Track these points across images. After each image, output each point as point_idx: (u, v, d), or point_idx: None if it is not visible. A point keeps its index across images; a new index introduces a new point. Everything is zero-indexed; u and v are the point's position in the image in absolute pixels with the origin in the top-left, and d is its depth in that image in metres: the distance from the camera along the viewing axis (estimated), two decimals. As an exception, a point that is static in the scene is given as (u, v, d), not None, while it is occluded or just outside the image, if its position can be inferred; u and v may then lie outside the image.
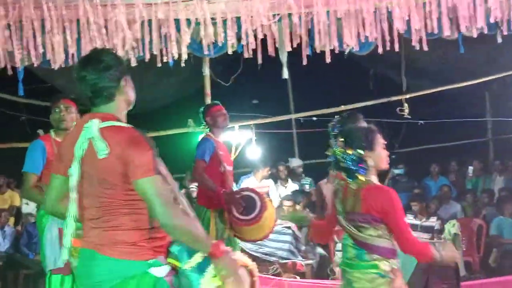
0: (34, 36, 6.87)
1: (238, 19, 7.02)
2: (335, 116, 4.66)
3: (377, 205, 3.75)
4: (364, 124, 4.17)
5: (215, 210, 5.83)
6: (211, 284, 2.75)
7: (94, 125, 2.78)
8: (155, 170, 2.75)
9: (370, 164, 3.83)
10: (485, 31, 6.97)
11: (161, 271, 2.77)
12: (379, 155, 3.89)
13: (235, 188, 7.26)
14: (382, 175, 11.81)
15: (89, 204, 2.84)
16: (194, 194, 7.90)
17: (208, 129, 6.12)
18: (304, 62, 7.19)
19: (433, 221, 9.54)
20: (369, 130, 3.94)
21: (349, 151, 3.83)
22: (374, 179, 3.89)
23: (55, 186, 3.00)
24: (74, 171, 2.82)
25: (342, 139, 3.94)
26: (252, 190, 6.01)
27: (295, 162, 11.44)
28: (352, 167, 3.82)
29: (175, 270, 2.83)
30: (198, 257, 2.81)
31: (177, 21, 7.01)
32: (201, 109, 6.24)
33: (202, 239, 2.78)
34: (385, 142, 3.95)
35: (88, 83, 2.87)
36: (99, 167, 2.77)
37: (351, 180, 3.86)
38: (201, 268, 2.79)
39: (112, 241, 2.75)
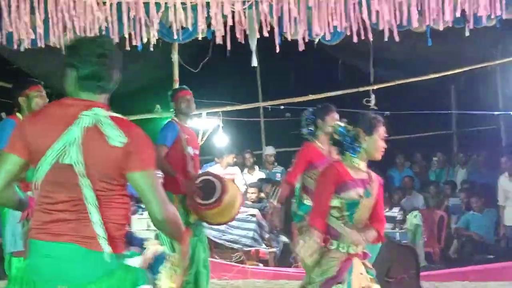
0: (0, 16, 6.75)
1: (208, 4, 6.97)
2: (305, 107, 4.87)
3: None
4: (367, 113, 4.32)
5: (178, 195, 5.81)
6: (167, 285, 2.77)
7: (101, 113, 2.68)
8: (154, 165, 2.75)
9: (363, 147, 3.99)
10: (451, 25, 7.03)
11: (137, 261, 2.78)
12: (375, 143, 4.04)
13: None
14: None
15: (66, 194, 2.69)
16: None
17: (175, 114, 6.10)
18: (277, 50, 7.17)
19: (395, 212, 9.67)
20: (374, 118, 4.12)
21: (350, 128, 4.04)
22: (362, 164, 4.04)
23: (7, 166, 2.72)
24: (76, 158, 2.64)
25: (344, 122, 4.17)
26: (213, 174, 5.97)
27: (269, 150, 11.44)
28: (345, 143, 4.02)
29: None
30: (149, 256, 2.83)
31: (146, 5, 6.93)
32: (169, 93, 6.20)
33: (180, 230, 2.82)
34: (386, 135, 4.13)
35: (91, 69, 2.72)
36: (102, 155, 2.66)
37: (341, 155, 4.09)
38: (153, 269, 2.81)
39: (94, 235, 2.67)
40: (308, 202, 5.63)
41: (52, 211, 2.70)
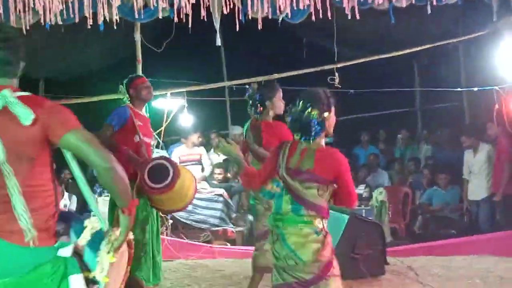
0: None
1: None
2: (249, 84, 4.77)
3: (333, 168, 3.91)
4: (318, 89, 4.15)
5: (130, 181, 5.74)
6: (107, 261, 2.72)
7: (8, 93, 2.63)
8: (79, 124, 2.71)
9: (326, 126, 3.94)
10: (413, 2, 7.07)
11: (68, 250, 2.72)
12: (333, 120, 4.01)
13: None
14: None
15: None
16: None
17: (130, 100, 6.00)
18: (237, 28, 7.14)
19: (361, 189, 9.76)
20: (328, 95, 4.02)
21: (314, 112, 3.89)
22: (323, 142, 4.00)
23: None
24: None
25: (303, 101, 3.95)
26: (165, 158, 5.88)
27: (236, 130, 11.42)
28: (313, 127, 3.89)
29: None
30: (87, 235, 2.77)
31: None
32: (125, 80, 6.06)
33: (128, 190, 2.80)
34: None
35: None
36: (18, 136, 2.61)
37: (305, 139, 3.94)
38: (92, 246, 2.76)
39: (19, 228, 2.60)
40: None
41: None
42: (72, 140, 2.66)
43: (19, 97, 2.63)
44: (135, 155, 5.65)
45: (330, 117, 3.97)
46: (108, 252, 2.73)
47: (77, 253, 2.76)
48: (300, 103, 3.95)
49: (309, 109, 3.89)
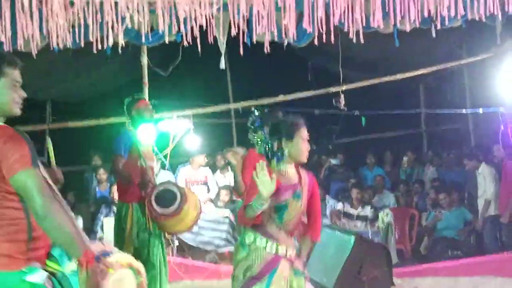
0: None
1: (176, 7, 6.94)
2: (253, 109, 4.88)
3: None
4: (287, 117, 4.26)
5: (134, 203, 5.78)
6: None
7: None
8: (33, 163, 2.71)
9: (285, 153, 4.01)
10: (418, 25, 7.11)
11: (38, 277, 2.73)
12: (298, 148, 4.04)
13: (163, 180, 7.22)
14: (319, 165, 11.99)
15: None
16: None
17: (131, 122, 6.02)
18: (249, 51, 7.17)
19: (367, 210, 9.76)
20: (292, 123, 4.08)
21: (269, 139, 4.07)
22: (290, 168, 4.06)
23: None
24: None
25: (268, 127, 4.19)
26: (173, 183, 5.92)
27: (239, 151, 11.41)
28: (268, 154, 4.05)
29: (54, 274, 2.81)
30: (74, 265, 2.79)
31: (115, 8, 6.88)
32: (126, 102, 6.11)
33: (75, 241, 2.73)
34: (308, 138, 4.10)
35: None
36: None
37: (269, 163, 4.04)
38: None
39: None
40: None
41: None
42: (21, 180, 2.68)
43: None
44: (145, 182, 5.70)
45: (293, 146, 4.03)
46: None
47: (63, 277, 2.79)
48: (266, 132, 4.21)
49: (268, 139, 4.08)
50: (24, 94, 2.96)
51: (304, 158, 4.07)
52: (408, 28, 7.06)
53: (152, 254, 5.73)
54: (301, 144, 4.04)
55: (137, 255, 5.11)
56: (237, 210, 9.71)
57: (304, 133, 4.06)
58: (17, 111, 2.89)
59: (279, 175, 3.96)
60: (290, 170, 4.06)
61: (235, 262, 3.99)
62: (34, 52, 6.63)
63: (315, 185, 4.23)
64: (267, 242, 3.93)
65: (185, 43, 6.98)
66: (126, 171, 5.70)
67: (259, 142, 4.10)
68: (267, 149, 4.05)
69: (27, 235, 2.76)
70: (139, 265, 2.92)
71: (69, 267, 2.80)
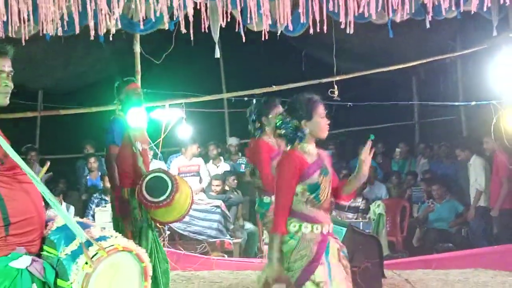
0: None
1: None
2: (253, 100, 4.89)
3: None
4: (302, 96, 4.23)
5: (129, 189, 5.74)
6: (81, 271, 2.70)
7: None
8: None
9: (306, 132, 4.02)
10: (412, 16, 7.10)
11: (21, 262, 2.74)
12: (318, 124, 4.06)
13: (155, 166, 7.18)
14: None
15: None
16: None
17: (121, 107, 5.96)
18: (243, 40, 7.14)
19: (358, 202, 9.77)
20: (309, 100, 4.10)
21: (288, 120, 4.06)
22: (311, 147, 4.08)
23: None
24: None
25: (283, 112, 4.18)
26: (164, 171, 5.84)
27: (232, 141, 11.46)
28: (290, 135, 4.05)
29: (41, 258, 2.83)
30: (73, 245, 2.79)
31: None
32: (116, 84, 6.01)
33: None
34: (326, 112, 4.13)
35: None
36: None
37: (289, 146, 4.09)
38: (74, 256, 2.76)
39: None
40: (267, 199, 5.65)
41: None
42: None
43: None
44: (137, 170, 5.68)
45: (313, 123, 4.05)
46: (86, 263, 2.72)
47: (58, 261, 2.79)
48: (282, 114, 4.16)
49: (287, 120, 4.06)
50: (11, 84, 2.91)
51: (324, 135, 4.11)
52: (403, 17, 7.04)
53: (145, 243, 5.67)
54: (320, 121, 4.07)
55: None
56: (229, 200, 9.73)
57: (321, 109, 4.09)
58: (3, 101, 2.87)
59: (304, 153, 4.02)
60: (311, 148, 4.09)
61: (285, 253, 3.95)
62: (25, 38, 6.57)
63: (329, 158, 4.29)
64: (312, 226, 3.96)
65: (182, 29, 6.92)
66: (113, 171, 5.68)
67: (278, 125, 4.07)
68: (288, 131, 4.05)
69: (3, 222, 2.75)
70: (139, 249, 2.89)
71: (64, 251, 2.78)
